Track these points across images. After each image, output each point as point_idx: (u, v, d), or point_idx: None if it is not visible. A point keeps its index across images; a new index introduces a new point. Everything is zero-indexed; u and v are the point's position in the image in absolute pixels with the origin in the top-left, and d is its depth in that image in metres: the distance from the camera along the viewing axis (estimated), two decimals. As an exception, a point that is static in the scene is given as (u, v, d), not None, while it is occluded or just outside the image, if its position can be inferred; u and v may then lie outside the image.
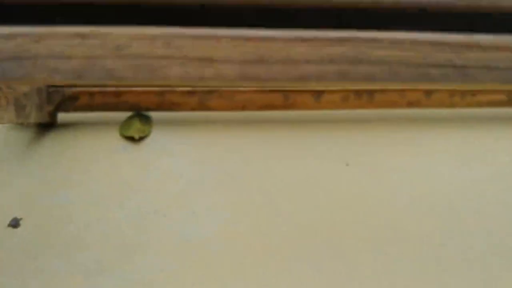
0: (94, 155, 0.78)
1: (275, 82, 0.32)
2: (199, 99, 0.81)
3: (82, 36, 0.30)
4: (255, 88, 0.80)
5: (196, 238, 0.65)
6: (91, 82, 0.31)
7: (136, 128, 0.81)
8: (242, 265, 0.61)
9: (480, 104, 0.82)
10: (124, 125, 0.83)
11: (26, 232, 0.64)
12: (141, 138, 0.82)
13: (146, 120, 0.84)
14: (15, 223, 0.65)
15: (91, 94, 0.80)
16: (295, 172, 0.77)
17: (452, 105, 0.83)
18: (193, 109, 0.81)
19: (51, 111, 0.79)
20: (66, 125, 0.83)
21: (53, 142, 0.81)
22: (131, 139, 0.82)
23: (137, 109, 0.82)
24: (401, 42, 0.32)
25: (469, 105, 0.82)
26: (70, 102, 0.80)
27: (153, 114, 0.85)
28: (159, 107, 0.81)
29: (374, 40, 0.32)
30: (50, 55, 0.31)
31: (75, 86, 0.79)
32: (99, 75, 0.31)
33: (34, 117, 0.74)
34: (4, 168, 0.75)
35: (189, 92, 0.80)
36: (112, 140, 0.83)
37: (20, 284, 0.57)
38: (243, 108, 0.82)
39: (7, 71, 0.31)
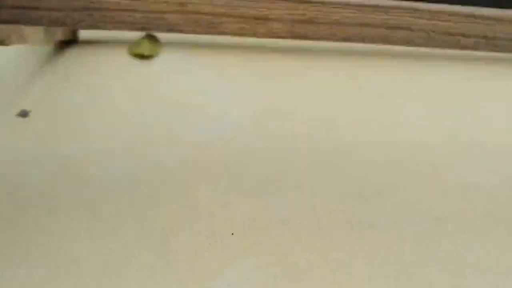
0: (105, 67, 0.82)
1: (321, 41, 0.36)
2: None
3: (148, -9, 0.34)
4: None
5: (212, 134, 0.69)
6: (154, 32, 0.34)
7: (145, 47, 0.84)
8: (253, 150, 0.66)
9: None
10: (133, 45, 0.85)
11: (36, 123, 0.68)
12: (150, 57, 0.85)
13: (155, 41, 0.87)
14: (24, 113, 0.68)
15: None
16: (309, 90, 0.80)
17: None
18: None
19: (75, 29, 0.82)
20: (86, 42, 0.86)
21: (71, 56, 0.84)
22: (140, 57, 0.84)
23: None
24: (440, 13, 0.35)
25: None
26: (92, 19, 0.82)
27: (163, 37, 0.87)
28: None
29: (416, 10, 0.35)
30: (117, 9, 0.34)
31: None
32: (162, 28, 0.35)
33: (59, 35, 0.77)
34: (20, 78, 0.79)
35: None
36: (124, 57, 0.86)
37: (31, 163, 0.62)
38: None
39: (77, 20, 0.35)
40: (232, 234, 0.54)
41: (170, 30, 0.34)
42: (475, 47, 0.36)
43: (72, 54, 0.83)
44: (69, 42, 0.81)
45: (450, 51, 0.82)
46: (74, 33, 0.80)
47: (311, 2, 0.35)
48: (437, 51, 0.84)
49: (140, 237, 0.55)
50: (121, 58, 0.83)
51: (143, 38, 0.83)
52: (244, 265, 0.51)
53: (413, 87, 0.81)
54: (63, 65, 0.80)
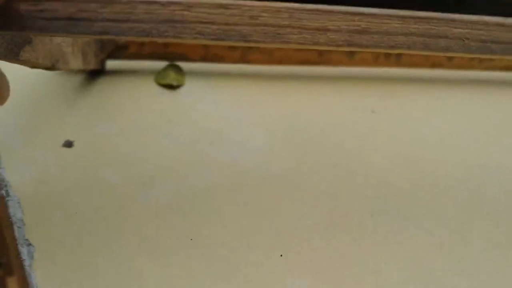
0: (136, 97, 0.87)
1: (373, 48, 0.41)
2: (241, 53, 0.88)
3: (224, 6, 0.39)
4: (293, 45, 0.88)
5: (240, 159, 0.74)
6: (228, 44, 0.39)
7: (172, 78, 0.89)
8: (276, 178, 0.70)
9: (496, 68, 0.92)
10: (159, 75, 0.90)
11: (81, 152, 0.73)
12: (177, 87, 0.90)
13: (180, 71, 0.92)
14: (69, 144, 0.72)
15: (141, 44, 0.87)
16: (324, 115, 0.86)
17: (470, 68, 0.92)
18: (235, 62, 0.89)
19: (103, 58, 0.87)
20: (113, 72, 0.91)
21: (102, 86, 0.89)
22: (168, 87, 0.90)
23: (184, 60, 0.89)
24: (474, 23, 0.41)
25: (486, 68, 0.92)
26: (121, 50, 0.87)
27: (185, 66, 0.93)
28: (204, 59, 0.89)
29: (453, 20, 0.41)
30: (197, 21, 0.39)
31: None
32: (235, 38, 0.40)
33: (93, 63, 0.82)
34: (57, 107, 0.83)
35: (231, 47, 0.88)
36: (151, 87, 0.91)
37: (81, 192, 0.65)
38: (281, 62, 0.90)
39: (162, 31, 0.39)
40: (281, 255, 0.58)
41: (243, 40, 0.39)
42: (505, 53, 0.41)
43: (103, 83, 0.88)
44: (98, 71, 0.86)
45: (462, 76, 0.88)
46: (103, 63, 0.85)
47: (364, 14, 0.40)
48: (447, 76, 0.90)
49: (185, 256, 0.58)
50: (150, 88, 0.89)
51: (167, 68, 0.88)
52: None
53: (426, 112, 0.87)
54: (97, 94, 0.84)
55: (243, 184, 0.69)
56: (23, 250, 0.48)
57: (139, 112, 0.83)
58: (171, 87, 0.89)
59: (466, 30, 0.41)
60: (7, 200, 0.51)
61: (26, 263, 0.46)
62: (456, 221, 0.68)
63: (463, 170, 0.76)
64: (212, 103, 0.87)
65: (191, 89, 0.90)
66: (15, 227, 0.48)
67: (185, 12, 0.39)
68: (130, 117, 0.81)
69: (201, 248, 0.60)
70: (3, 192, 0.53)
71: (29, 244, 0.50)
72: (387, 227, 0.66)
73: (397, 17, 0.40)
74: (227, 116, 0.83)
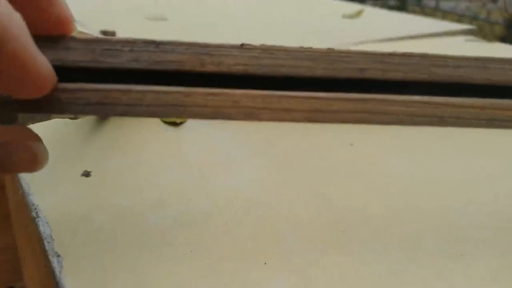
0: (143, 133, 1.00)
1: (327, 122, 0.55)
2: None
3: (214, 94, 0.53)
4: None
5: (237, 189, 0.84)
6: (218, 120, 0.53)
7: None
8: (268, 205, 0.78)
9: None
10: None
11: (97, 180, 0.84)
12: (181, 123, 1.04)
13: None
14: (86, 174, 0.85)
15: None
16: (311, 149, 0.97)
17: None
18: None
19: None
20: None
21: (112, 124, 1.02)
22: (172, 124, 1.03)
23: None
24: (409, 102, 0.54)
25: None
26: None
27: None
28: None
29: (388, 100, 0.54)
30: (194, 104, 0.53)
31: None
32: (223, 117, 0.54)
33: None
34: (74, 143, 0.96)
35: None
36: (157, 124, 1.05)
37: (98, 213, 0.76)
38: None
39: (166, 113, 0.53)
40: (265, 263, 0.68)
41: (228, 118, 0.53)
42: (428, 123, 0.55)
43: (113, 123, 1.01)
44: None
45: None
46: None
47: (317, 98, 0.54)
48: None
49: (187, 267, 0.70)
50: (156, 125, 1.03)
51: (170, 107, 1.02)
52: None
53: (405, 146, 0.96)
54: (109, 132, 0.98)
55: (237, 209, 0.81)
56: (54, 260, 0.61)
57: (146, 147, 0.96)
58: (175, 124, 1.03)
59: (400, 108, 0.55)
60: (37, 220, 0.67)
61: (57, 270, 0.59)
62: (434, 253, 0.70)
63: (441, 204, 0.80)
64: (213, 137, 1.00)
65: (193, 125, 1.04)
66: (46, 242, 0.63)
67: (185, 98, 0.53)
68: (139, 151, 0.94)
69: (200, 260, 0.71)
70: (34, 213, 0.68)
71: (58, 256, 0.62)
72: (363, 258, 0.70)
73: (343, 99, 0.54)
74: (226, 150, 0.96)
